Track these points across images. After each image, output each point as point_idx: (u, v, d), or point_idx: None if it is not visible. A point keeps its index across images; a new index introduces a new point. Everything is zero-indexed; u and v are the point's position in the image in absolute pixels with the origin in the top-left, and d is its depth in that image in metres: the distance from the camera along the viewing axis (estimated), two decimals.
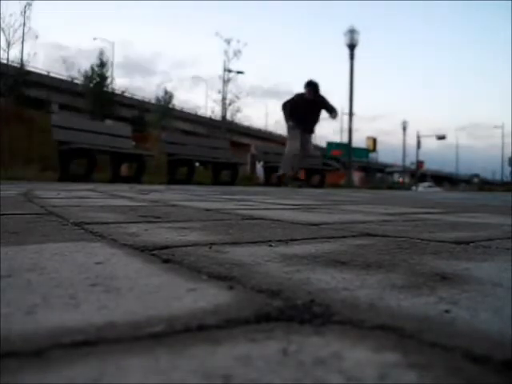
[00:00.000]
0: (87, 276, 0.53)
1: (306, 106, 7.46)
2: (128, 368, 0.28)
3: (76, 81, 23.70)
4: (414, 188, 28.35)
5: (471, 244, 0.89)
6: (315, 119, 7.75)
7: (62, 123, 6.66)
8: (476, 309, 0.43)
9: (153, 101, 29.16)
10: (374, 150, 38.77)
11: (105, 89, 23.18)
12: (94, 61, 23.25)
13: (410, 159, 43.04)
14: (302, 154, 7.63)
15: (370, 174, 37.92)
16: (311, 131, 7.79)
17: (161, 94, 28.80)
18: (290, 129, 7.57)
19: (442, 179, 51.67)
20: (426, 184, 38.86)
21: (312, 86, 7.52)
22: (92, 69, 23.11)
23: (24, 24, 15.13)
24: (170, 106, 29.13)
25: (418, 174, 37.70)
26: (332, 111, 7.69)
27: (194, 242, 0.82)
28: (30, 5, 15.18)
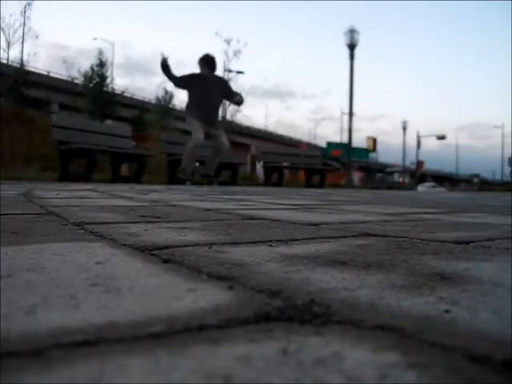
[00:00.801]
0: (87, 276, 0.53)
1: (204, 87, 6.09)
2: (128, 368, 0.28)
3: (76, 81, 23.69)
4: (419, 188, 28.12)
5: (471, 244, 0.89)
6: (216, 105, 6.41)
7: (62, 123, 6.66)
8: (476, 309, 0.43)
9: (153, 101, 29.16)
10: (374, 150, 38.81)
11: (105, 89, 23.17)
12: (94, 61, 23.25)
13: (410, 159, 43.06)
14: (217, 148, 6.43)
15: (370, 173, 37.95)
16: (215, 124, 6.43)
17: (161, 94, 28.79)
18: (189, 118, 6.26)
19: (442, 179, 51.63)
20: (429, 184, 38.55)
21: (205, 60, 6.16)
22: (92, 69, 23.10)
23: (24, 24, 15.11)
24: (170, 105, 29.12)
25: (417, 173, 37.67)
26: (235, 95, 6.42)
27: (194, 242, 0.82)
28: (29, 5, 15.16)
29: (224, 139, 6.55)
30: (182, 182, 6.65)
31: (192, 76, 6.22)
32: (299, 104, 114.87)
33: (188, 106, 6.34)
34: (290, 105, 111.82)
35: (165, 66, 6.01)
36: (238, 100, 6.52)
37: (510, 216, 1.74)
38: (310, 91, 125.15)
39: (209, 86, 6.13)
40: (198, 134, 6.15)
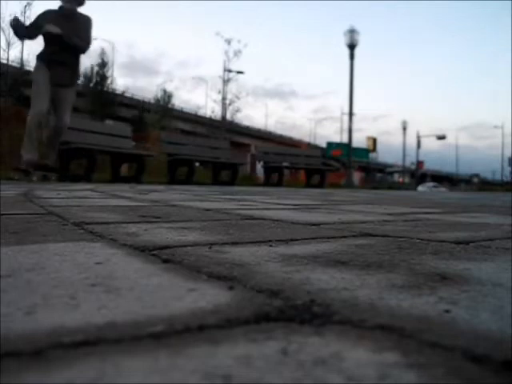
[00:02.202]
0: (87, 276, 0.53)
1: (61, 23, 4.70)
2: (128, 368, 0.28)
3: None
4: (420, 188, 27.92)
5: (471, 244, 0.89)
6: (74, 50, 4.91)
7: None
8: (476, 309, 0.43)
9: (153, 101, 29.17)
10: (374, 149, 38.84)
11: (105, 89, 23.17)
12: (96, 61, 23.25)
13: (410, 159, 43.08)
14: (56, 124, 4.92)
15: (370, 173, 37.96)
16: (66, 78, 4.89)
17: (160, 93, 28.81)
18: (35, 70, 4.80)
19: (442, 179, 51.64)
20: (431, 184, 38.29)
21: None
22: (92, 69, 23.11)
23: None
24: (170, 105, 29.12)
25: (417, 173, 37.67)
26: (83, 40, 4.88)
27: (194, 242, 0.82)
28: (29, 5, 15.18)
29: (65, 115, 5.04)
30: (20, 176, 4.94)
31: (50, 13, 4.86)
32: (301, 104, 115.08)
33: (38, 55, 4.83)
34: (291, 105, 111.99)
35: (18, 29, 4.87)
36: (81, 48, 4.94)
37: (509, 216, 1.74)
38: (312, 91, 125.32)
39: (65, 22, 4.81)
40: (40, 102, 4.64)
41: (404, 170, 40.37)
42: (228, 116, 22.54)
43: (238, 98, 22.30)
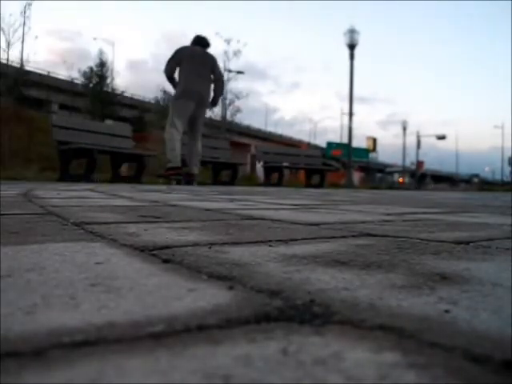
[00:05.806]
0: (87, 276, 0.53)
1: (197, 61, 5.88)
2: (128, 368, 0.28)
3: (76, 81, 23.68)
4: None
5: (471, 244, 0.89)
6: (208, 81, 6.06)
7: (62, 123, 6.67)
8: (476, 309, 0.43)
9: (153, 101, 29.16)
10: (374, 150, 38.85)
11: (105, 89, 23.17)
12: (96, 61, 23.27)
13: (410, 159, 43.06)
14: (192, 140, 6.19)
15: (370, 173, 37.97)
16: (205, 102, 6.10)
17: (160, 94, 28.81)
18: (176, 99, 5.94)
19: (442, 179, 51.60)
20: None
21: (199, 39, 6.08)
22: (91, 69, 23.10)
23: (24, 24, 15.09)
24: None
25: (417, 173, 37.66)
26: (218, 81, 6.10)
27: (194, 242, 0.82)
28: (29, 5, 15.16)
29: (200, 128, 6.25)
30: (171, 182, 6.21)
31: (184, 51, 5.95)
32: (302, 104, 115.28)
33: (179, 74, 5.99)
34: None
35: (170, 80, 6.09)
36: (216, 96, 6.23)
37: (509, 216, 1.74)
38: (312, 91, 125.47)
39: (200, 60, 5.97)
40: (180, 123, 5.87)
41: (404, 170, 40.32)
42: (228, 116, 22.54)
43: (237, 97, 22.32)
